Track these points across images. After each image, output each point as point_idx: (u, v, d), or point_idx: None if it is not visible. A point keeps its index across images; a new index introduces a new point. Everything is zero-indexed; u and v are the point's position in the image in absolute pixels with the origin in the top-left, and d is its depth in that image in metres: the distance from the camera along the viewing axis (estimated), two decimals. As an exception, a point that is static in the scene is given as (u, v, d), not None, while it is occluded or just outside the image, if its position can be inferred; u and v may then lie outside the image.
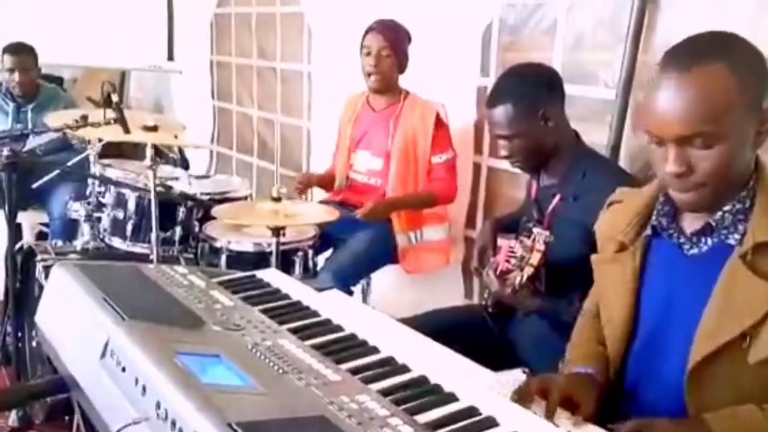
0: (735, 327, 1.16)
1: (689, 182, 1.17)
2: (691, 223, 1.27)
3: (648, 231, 1.32)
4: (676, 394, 1.23)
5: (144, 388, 1.07)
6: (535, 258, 1.51)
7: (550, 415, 1.15)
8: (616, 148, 2.23)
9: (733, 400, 1.18)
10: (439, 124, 2.70)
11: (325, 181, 2.94)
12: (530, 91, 1.84)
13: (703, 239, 1.25)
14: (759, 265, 1.16)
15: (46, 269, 2.40)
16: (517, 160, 1.89)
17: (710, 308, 1.19)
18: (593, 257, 1.45)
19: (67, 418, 2.20)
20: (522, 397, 1.18)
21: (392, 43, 2.66)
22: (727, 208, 1.21)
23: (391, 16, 2.74)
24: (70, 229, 3.12)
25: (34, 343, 2.51)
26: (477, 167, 2.88)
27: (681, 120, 1.13)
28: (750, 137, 1.16)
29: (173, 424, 0.98)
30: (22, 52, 3.55)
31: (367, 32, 2.70)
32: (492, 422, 1.05)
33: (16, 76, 3.52)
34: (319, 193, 3.16)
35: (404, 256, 2.76)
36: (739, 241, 1.19)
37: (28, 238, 3.40)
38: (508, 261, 1.56)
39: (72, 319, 1.37)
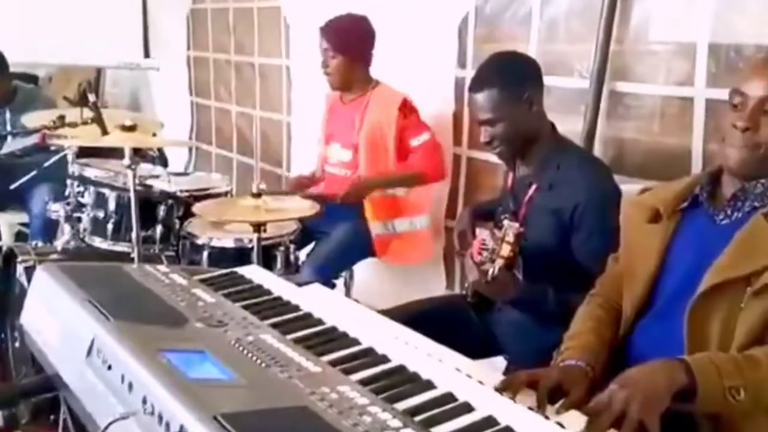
0: (746, 266, 1.24)
1: None
2: (725, 193, 1.37)
3: (685, 204, 1.41)
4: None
5: (130, 385, 1.09)
6: (505, 250, 1.52)
7: (541, 407, 1.13)
8: (590, 136, 2.28)
9: (721, 342, 1.26)
10: (408, 110, 2.69)
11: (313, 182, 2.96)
12: (516, 75, 1.87)
13: (736, 208, 1.33)
14: None
15: (27, 270, 2.40)
16: (497, 146, 1.89)
17: (727, 251, 1.28)
18: (623, 222, 1.49)
19: (52, 417, 2.21)
20: (509, 386, 1.18)
21: (335, 44, 2.65)
22: (762, 180, 1.30)
23: (367, 9, 2.74)
24: (50, 229, 3.10)
25: (17, 344, 2.51)
26: (456, 158, 2.91)
27: None
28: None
29: (160, 418, 1.00)
30: None
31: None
32: (468, 407, 1.08)
33: None
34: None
35: (381, 247, 2.77)
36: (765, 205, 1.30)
37: (6, 240, 3.38)
38: (480, 253, 1.59)
39: (57, 320, 1.39)
